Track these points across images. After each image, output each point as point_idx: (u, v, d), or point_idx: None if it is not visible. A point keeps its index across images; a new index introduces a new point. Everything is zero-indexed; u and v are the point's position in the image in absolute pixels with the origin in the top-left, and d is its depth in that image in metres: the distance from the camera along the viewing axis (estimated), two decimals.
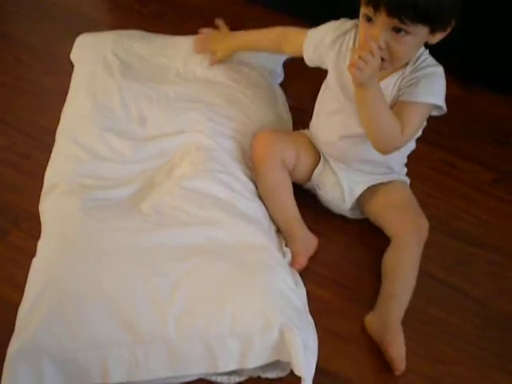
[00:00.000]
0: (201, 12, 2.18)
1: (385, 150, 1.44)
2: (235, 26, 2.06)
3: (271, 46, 1.69)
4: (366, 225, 1.59)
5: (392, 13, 1.28)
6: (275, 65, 1.90)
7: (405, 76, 1.42)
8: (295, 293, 1.34)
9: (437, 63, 1.44)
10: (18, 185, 1.61)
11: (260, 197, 1.55)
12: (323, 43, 1.52)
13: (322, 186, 1.59)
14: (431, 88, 1.41)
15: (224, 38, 1.81)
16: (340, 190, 1.56)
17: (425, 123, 1.50)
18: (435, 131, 1.60)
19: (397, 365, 1.32)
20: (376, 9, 1.29)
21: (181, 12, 2.18)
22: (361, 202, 1.57)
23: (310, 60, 1.57)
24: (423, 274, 1.46)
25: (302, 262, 1.46)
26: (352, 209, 1.58)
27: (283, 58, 1.94)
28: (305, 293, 1.40)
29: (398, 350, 1.33)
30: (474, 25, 1.83)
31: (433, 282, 1.51)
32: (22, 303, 1.28)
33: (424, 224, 1.49)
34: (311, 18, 1.87)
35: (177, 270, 1.29)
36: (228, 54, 1.81)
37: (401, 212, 1.52)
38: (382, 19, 1.30)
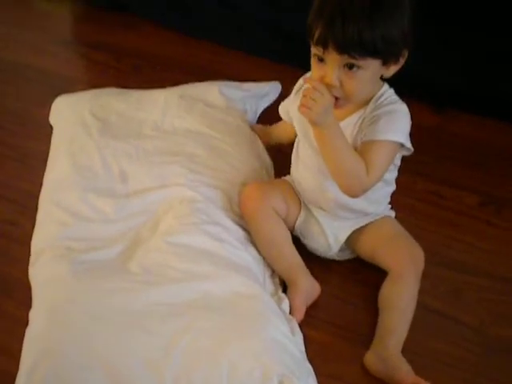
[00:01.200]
0: (175, 63, 2.20)
1: (352, 193, 1.43)
2: (210, 74, 2.09)
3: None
4: (358, 262, 1.59)
5: (340, 49, 1.29)
6: (254, 111, 1.92)
7: (366, 115, 1.42)
8: (292, 341, 1.33)
9: (399, 100, 1.44)
10: (7, 253, 1.61)
11: (251, 242, 1.54)
12: (289, 99, 1.57)
13: (305, 234, 1.58)
14: (392, 125, 1.40)
15: None
16: (324, 237, 1.55)
17: (398, 163, 1.51)
18: (416, 161, 1.60)
19: None
20: (325, 47, 1.31)
21: (155, 65, 2.20)
22: (349, 243, 1.56)
23: (284, 115, 1.65)
24: (418, 305, 1.45)
25: (300, 318, 1.44)
26: (340, 251, 1.57)
27: (263, 104, 1.98)
28: (302, 339, 1.39)
29: (411, 377, 1.32)
30: (438, 49, 1.86)
31: (428, 314, 1.50)
32: (18, 375, 1.27)
33: (419, 254, 1.49)
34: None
35: (170, 328, 1.28)
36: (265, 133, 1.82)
37: (394, 245, 1.51)
38: (332, 57, 1.32)
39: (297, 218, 1.58)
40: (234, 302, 1.34)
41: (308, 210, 1.57)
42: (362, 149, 1.40)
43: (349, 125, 1.43)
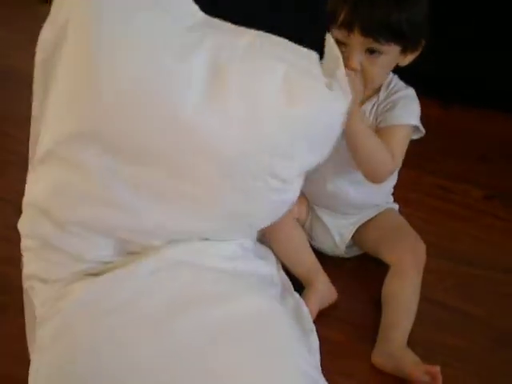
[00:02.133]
0: None
1: (378, 179, 1.43)
2: None
3: None
4: (365, 258, 1.59)
5: (366, 32, 1.29)
6: None
7: (380, 102, 1.43)
8: (309, 363, 1.28)
9: (407, 86, 1.45)
10: (12, 257, 1.58)
11: (262, 240, 1.50)
12: None
13: (312, 236, 1.59)
14: (409, 109, 1.41)
15: None
16: (330, 237, 1.56)
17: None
18: (422, 156, 1.61)
19: (436, 381, 1.29)
20: (350, 30, 1.30)
21: None
22: (355, 239, 1.57)
23: None
24: (425, 300, 1.45)
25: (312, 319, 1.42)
26: (347, 247, 1.58)
27: None
28: (318, 353, 1.36)
29: (421, 366, 1.31)
30: (446, 44, 1.86)
31: (436, 308, 1.50)
32: None
33: (421, 247, 1.49)
34: None
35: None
36: None
37: (396, 238, 1.52)
38: (355, 40, 1.31)
39: (305, 220, 1.58)
40: (250, 326, 1.27)
41: (313, 211, 1.57)
42: (383, 135, 1.40)
43: (364, 112, 1.43)
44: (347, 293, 1.53)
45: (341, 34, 1.32)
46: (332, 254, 1.59)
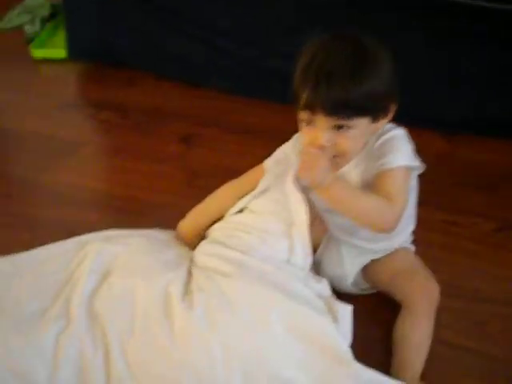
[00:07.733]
0: (181, 116, 2.21)
1: (385, 230, 1.40)
2: (218, 122, 2.09)
3: (230, 202, 1.56)
4: (376, 298, 1.55)
5: (328, 112, 1.30)
6: None
7: (369, 147, 1.41)
8: None
9: (395, 126, 1.44)
10: None
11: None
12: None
13: (323, 260, 1.56)
14: (398, 151, 1.39)
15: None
16: (341, 264, 1.53)
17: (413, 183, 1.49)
18: (428, 192, 1.56)
19: None
20: (313, 111, 1.32)
21: (161, 119, 2.21)
22: (365, 274, 1.54)
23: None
24: (440, 342, 1.41)
25: None
26: (353, 285, 1.55)
27: None
28: None
29: None
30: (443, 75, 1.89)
31: (451, 349, 1.44)
32: None
33: (434, 288, 1.46)
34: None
35: None
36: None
37: (408, 278, 1.48)
38: (320, 120, 1.32)
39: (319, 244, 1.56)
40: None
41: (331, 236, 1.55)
42: (379, 181, 1.39)
43: (356, 165, 1.42)
44: (357, 333, 1.46)
45: (306, 114, 1.34)
46: (337, 286, 1.54)
